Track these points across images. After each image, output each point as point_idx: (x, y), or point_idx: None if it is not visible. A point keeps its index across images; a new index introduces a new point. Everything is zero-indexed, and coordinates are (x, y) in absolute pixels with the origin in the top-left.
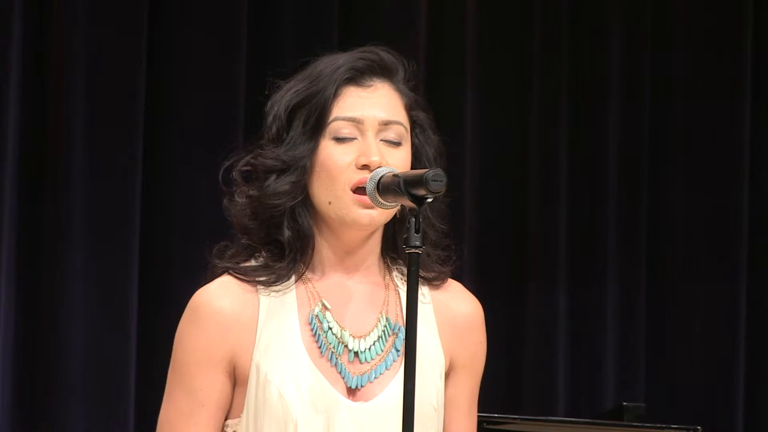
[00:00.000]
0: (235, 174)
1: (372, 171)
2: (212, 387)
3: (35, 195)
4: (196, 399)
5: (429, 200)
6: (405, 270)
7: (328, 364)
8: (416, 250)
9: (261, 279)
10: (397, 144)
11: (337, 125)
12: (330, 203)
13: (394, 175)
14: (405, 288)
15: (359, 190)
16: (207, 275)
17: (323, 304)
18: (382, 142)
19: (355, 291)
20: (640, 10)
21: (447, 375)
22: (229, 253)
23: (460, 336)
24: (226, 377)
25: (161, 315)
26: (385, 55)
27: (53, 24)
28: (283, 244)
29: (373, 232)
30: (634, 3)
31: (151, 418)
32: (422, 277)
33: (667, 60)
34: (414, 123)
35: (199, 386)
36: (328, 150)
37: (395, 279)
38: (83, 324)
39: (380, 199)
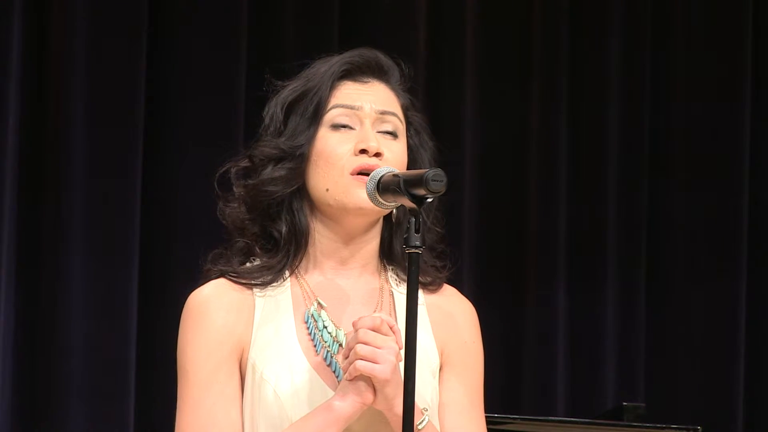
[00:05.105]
0: (232, 174)
1: (370, 156)
2: (233, 377)
3: (35, 195)
4: (224, 393)
5: (429, 200)
6: (400, 272)
7: (323, 362)
8: (416, 250)
9: (256, 281)
10: (395, 136)
11: (335, 113)
12: (328, 190)
13: (393, 175)
14: (399, 289)
15: (358, 175)
16: (201, 280)
17: (319, 303)
18: (379, 133)
19: (350, 289)
20: (640, 10)
21: (441, 375)
22: (223, 259)
23: (453, 334)
24: (238, 368)
25: (161, 315)
26: (382, 56)
27: (53, 24)
28: (277, 239)
29: (372, 225)
30: (634, 3)
31: (151, 418)
32: (419, 281)
33: (667, 60)
34: (409, 123)
35: (222, 379)
36: (326, 138)
37: (390, 280)
38: (83, 324)
39: (380, 199)
